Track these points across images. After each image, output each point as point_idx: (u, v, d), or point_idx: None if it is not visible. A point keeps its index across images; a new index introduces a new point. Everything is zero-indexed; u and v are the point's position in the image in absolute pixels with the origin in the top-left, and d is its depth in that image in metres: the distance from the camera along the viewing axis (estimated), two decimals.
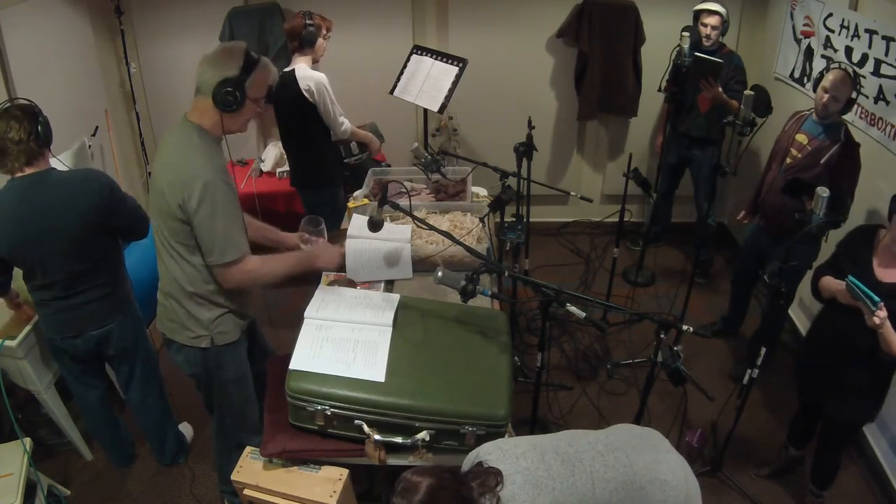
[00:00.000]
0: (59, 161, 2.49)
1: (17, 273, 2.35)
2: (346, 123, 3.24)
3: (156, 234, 1.99)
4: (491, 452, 1.34)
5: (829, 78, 2.57)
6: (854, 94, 2.55)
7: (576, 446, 1.38)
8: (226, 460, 2.37)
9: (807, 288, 3.41)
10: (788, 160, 2.81)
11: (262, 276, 1.99)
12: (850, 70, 2.56)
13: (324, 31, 3.15)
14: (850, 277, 2.00)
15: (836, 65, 2.67)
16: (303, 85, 3.06)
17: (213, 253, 1.88)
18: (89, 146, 3.46)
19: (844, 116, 2.68)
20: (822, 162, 2.64)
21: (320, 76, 3.09)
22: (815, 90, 2.68)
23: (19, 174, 2.13)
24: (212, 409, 2.33)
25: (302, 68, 3.10)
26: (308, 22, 3.07)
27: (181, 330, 2.07)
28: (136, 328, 2.51)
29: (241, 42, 1.92)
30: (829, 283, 2.21)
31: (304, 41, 3.09)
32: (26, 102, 2.17)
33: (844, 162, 2.62)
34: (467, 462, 1.36)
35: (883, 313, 1.93)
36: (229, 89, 1.80)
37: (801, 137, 2.76)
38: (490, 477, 1.24)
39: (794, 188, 2.62)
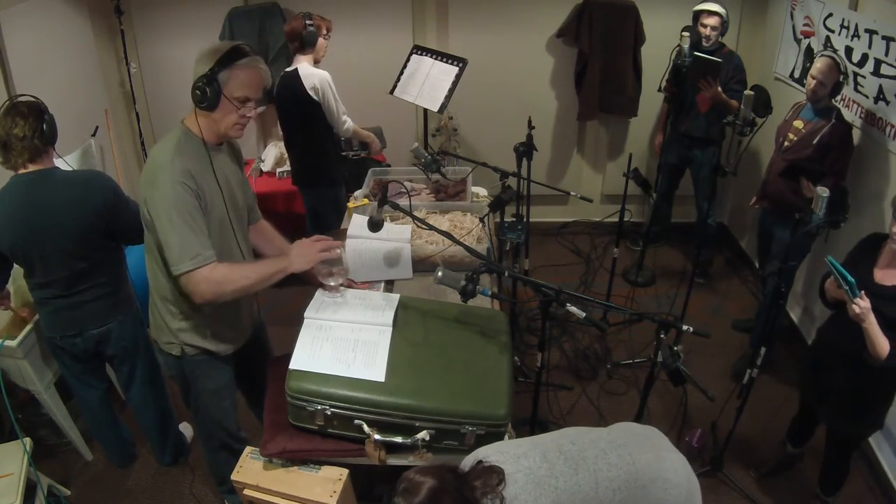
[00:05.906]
0: (64, 161, 2.49)
1: (19, 272, 2.34)
2: (348, 122, 3.26)
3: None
4: (490, 455, 1.31)
5: (817, 66, 2.71)
6: (841, 78, 2.68)
7: (579, 444, 1.37)
8: (215, 463, 2.35)
9: (806, 289, 3.45)
10: (786, 143, 2.94)
11: (232, 284, 1.80)
12: (836, 57, 2.69)
13: (324, 31, 3.17)
14: (829, 258, 1.99)
15: (824, 51, 2.84)
16: (307, 83, 3.07)
17: (171, 262, 1.76)
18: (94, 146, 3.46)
19: (840, 105, 2.84)
20: (814, 143, 2.78)
21: (323, 73, 3.11)
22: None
23: (22, 171, 2.14)
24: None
25: (305, 67, 3.12)
26: (308, 23, 3.09)
27: (158, 332, 2.04)
28: (136, 328, 2.50)
29: (234, 42, 1.83)
30: (831, 282, 2.21)
31: (304, 42, 3.11)
32: (33, 99, 2.15)
33: (834, 139, 2.74)
34: (466, 464, 1.33)
35: (864, 303, 1.92)
36: (199, 84, 1.73)
37: (798, 123, 2.91)
38: (492, 475, 1.21)
39: (792, 171, 2.86)
